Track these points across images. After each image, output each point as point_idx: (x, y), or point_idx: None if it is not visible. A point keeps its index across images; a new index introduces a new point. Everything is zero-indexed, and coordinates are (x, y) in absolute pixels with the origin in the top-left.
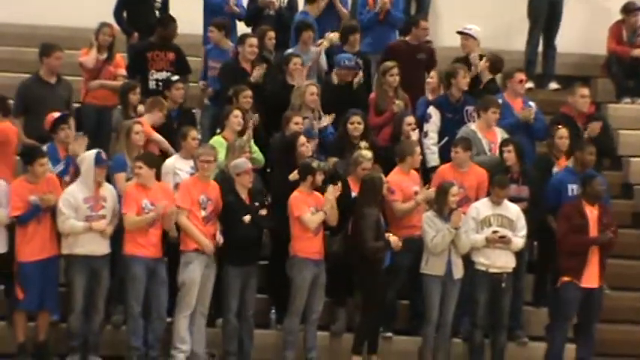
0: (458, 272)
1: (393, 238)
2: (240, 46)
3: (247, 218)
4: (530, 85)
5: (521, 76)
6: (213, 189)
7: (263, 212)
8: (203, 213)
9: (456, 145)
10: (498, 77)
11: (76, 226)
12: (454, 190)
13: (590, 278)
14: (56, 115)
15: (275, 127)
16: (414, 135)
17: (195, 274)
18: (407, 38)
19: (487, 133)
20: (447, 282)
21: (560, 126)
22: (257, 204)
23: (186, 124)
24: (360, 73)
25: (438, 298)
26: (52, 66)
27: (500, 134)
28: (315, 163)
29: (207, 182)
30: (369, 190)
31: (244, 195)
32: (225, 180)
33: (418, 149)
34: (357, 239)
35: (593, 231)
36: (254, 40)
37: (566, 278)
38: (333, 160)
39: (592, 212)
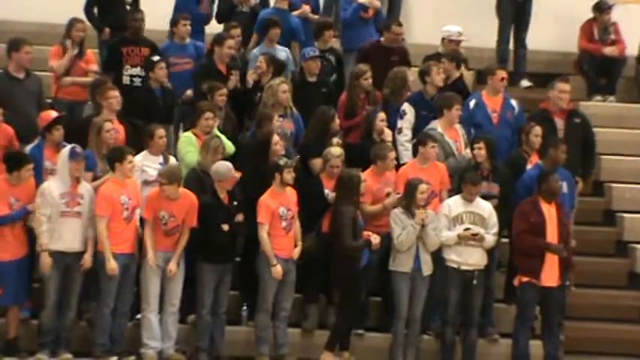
0: (427, 269)
1: (373, 237)
2: (218, 47)
3: (226, 227)
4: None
5: (503, 73)
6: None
7: (240, 218)
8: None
9: (428, 140)
10: (470, 75)
11: (42, 233)
12: (423, 187)
13: (549, 277)
14: (53, 114)
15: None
16: (387, 132)
17: (152, 271)
18: (381, 40)
19: (449, 131)
20: (416, 278)
21: (533, 123)
22: (235, 203)
23: (169, 102)
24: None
25: (406, 294)
26: (22, 61)
27: (460, 131)
28: (282, 161)
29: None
30: (346, 188)
31: (223, 195)
32: (196, 179)
33: (392, 154)
34: (334, 237)
35: (551, 229)
36: (232, 42)
37: (524, 278)
38: (319, 161)
39: (549, 210)
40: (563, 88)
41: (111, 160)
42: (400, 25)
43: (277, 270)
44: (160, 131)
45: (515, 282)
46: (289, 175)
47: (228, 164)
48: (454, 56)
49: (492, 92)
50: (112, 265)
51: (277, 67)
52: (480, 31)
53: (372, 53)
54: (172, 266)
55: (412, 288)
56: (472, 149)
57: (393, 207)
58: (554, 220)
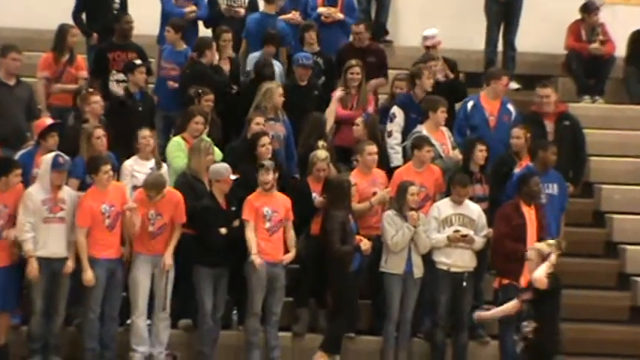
0: (418, 271)
1: (363, 243)
2: (209, 50)
3: (224, 231)
4: None
5: (507, 79)
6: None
7: (236, 223)
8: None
9: (424, 144)
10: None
11: (27, 240)
12: (413, 189)
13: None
14: (48, 121)
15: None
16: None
17: (140, 275)
18: (352, 41)
19: (435, 134)
20: (407, 280)
21: (521, 126)
22: (233, 208)
23: (148, 107)
24: None
25: (398, 296)
26: (10, 67)
27: (447, 133)
28: (265, 162)
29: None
30: (336, 193)
31: (221, 199)
32: (186, 184)
33: (370, 148)
34: (324, 241)
35: (532, 232)
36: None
37: (505, 281)
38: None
39: (529, 212)
40: (544, 93)
41: (89, 171)
42: (359, 24)
43: (256, 259)
44: (144, 132)
45: (496, 284)
46: (263, 177)
47: (226, 164)
48: (449, 62)
49: (492, 96)
50: (89, 277)
51: (259, 72)
52: (469, 33)
53: (346, 55)
54: (167, 259)
55: (403, 290)
56: (470, 151)
57: (380, 205)
58: (534, 223)
